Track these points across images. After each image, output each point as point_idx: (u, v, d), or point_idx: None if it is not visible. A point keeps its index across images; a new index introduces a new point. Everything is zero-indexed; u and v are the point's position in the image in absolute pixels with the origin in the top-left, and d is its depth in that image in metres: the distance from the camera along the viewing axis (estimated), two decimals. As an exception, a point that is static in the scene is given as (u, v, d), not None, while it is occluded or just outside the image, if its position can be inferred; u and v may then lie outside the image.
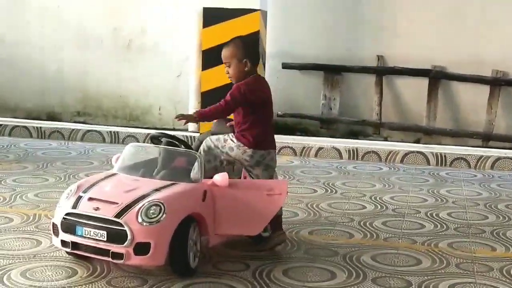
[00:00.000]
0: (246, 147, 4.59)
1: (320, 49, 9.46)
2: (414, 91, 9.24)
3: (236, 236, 4.70)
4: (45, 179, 6.72)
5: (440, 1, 9.13)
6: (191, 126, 9.11)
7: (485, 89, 8.97)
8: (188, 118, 4.55)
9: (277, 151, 8.43)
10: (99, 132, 9.24)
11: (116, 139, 9.17)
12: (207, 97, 8.73)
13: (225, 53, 4.65)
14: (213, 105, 4.58)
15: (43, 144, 8.82)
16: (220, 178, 4.31)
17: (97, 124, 9.89)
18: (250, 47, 4.68)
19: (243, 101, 4.52)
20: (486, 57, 9.00)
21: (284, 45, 9.52)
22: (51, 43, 10.21)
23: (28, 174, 6.92)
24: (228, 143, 4.62)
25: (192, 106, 9.03)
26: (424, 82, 9.14)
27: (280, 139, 8.82)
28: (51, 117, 10.26)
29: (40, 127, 9.41)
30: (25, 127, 9.44)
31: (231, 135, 4.64)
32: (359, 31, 9.35)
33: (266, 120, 4.71)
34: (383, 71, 9.26)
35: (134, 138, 9.04)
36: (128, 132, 9.24)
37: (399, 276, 4.37)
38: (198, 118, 4.54)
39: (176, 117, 4.55)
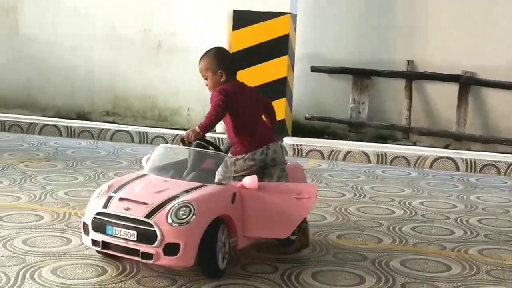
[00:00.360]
0: (244, 154, 4.56)
1: (350, 52, 9.45)
2: (444, 97, 9.19)
3: (264, 238, 4.70)
4: (74, 178, 6.78)
5: (472, 6, 9.06)
6: (219, 128, 9.12)
7: (516, 96, 8.90)
8: (194, 135, 4.49)
9: (305, 154, 8.57)
10: (128, 132, 9.30)
11: (144, 139, 9.22)
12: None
13: (200, 66, 4.70)
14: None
15: (72, 143, 8.89)
16: (250, 180, 4.31)
17: (126, 124, 9.96)
18: (224, 58, 4.66)
19: (225, 100, 4.47)
20: (515, 64, 8.93)
21: (313, 48, 9.52)
22: (82, 43, 10.30)
23: (58, 173, 6.98)
24: (229, 166, 4.47)
25: (221, 107, 9.03)
26: (454, 88, 9.08)
27: (308, 142, 8.83)
28: (81, 116, 10.35)
29: (70, 126, 9.50)
30: (55, 125, 9.53)
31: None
32: (389, 35, 9.32)
33: (252, 120, 4.64)
34: (413, 76, 9.21)
35: (162, 138, 9.08)
36: (156, 132, 9.28)
37: (429, 282, 4.34)
38: (201, 131, 4.49)
39: (181, 140, 4.52)
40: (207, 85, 4.70)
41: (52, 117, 10.18)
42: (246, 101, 4.63)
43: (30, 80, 10.56)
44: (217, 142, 8.12)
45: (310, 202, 4.47)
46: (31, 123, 9.60)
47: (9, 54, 10.62)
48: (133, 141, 9.23)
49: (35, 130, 9.52)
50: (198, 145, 4.59)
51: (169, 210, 3.97)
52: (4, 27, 10.61)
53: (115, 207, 4.08)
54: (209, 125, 4.47)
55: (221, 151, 4.56)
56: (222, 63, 4.62)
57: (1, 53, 10.66)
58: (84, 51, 10.31)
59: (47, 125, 9.55)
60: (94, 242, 4.15)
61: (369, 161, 8.50)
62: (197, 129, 4.44)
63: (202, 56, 4.72)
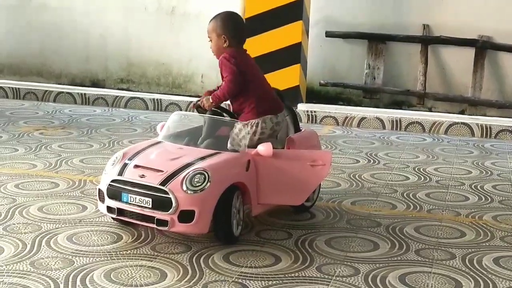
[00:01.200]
0: (253, 120, 4.50)
1: (364, 17, 9.35)
2: (459, 61, 9.09)
3: (278, 205, 4.72)
4: (89, 145, 6.80)
5: (489, -31, 8.94)
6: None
7: (533, 60, 8.81)
8: (208, 105, 4.48)
9: (319, 120, 8.55)
10: (142, 100, 9.31)
11: (159, 106, 9.22)
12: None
13: (208, 27, 4.68)
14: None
15: (87, 111, 8.92)
16: (264, 148, 4.31)
17: (140, 91, 9.96)
18: (230, 24, 4.61)
19: (237, 71, 4.44)
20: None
21: (328, 13, 9.43)
22: (95, 8, 10.25)
23: (73, 140, 7.01)
24: (239, 132, 4.44)
25: (235, 74, 9.01)
26: (470, 52, 8.98)
27: (322, 108, 8.81)
28: (95, 83, 10.36)
29: (85, 94, 9.51)
30: (70, 93, 9.55)
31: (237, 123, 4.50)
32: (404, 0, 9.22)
33: (262, 86, 4.61)
34: (428, 41, 9.12)
35: (176, 105, 9.08)
36: (170, 99, 9.28)
37: (443, 248, 4.35)
38: (214, 103, 4.48)
39: (197, 108, 4.55)
40: (211, 48, 4.67)
41: (67, 85, 10.20)
42: (253, 68, 4.62)
43: (44, 47, 10.55)
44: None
45: (325, 169, 4.47)
46: (46, 90, 9.62)
47: (22, 22, 10.60)
48: (147, 108, 9.24)
49: (50, 98, 9.55)
50: (213, 112, 4.59)
51: (184, 177, 3.99)
52: (18, -6, 10.59)
53: (130, 174, 4.10)
54: (222, 99, 4.47)
55: (236, 118, 4.55)
56: (227, 28, 4.59)
57: (14, 21, 10.64)
58: (97, 17, 10.27)
59: (62, 92, 9.57)
60: (110, 209, 4.18)
61: (383, 127, 8.47)
62: (210, 100, 4.44)
63: (212, 18, 4.70)
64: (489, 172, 6.41)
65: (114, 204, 4.13)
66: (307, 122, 8.59)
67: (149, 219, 4.03)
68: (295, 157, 4.46)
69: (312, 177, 4.49)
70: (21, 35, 10.63)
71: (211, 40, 4.67)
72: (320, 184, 5.06)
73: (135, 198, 4.03)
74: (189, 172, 4.01)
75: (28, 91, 9.65)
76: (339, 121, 8.58)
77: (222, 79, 4.51)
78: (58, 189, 5.24)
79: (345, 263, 4.04)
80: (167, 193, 3.96)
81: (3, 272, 3.70)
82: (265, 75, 4.74)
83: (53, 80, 10.45)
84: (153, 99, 9.29)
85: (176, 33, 9.99)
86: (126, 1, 10.13)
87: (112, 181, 4.14)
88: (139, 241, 4.23)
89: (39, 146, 6.63)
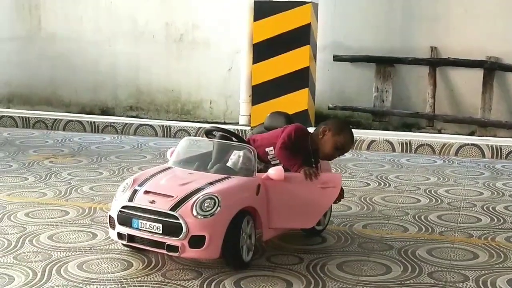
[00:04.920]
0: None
1: (372, 40, 9.38)
2: (468, 83, 9.09)
3: (290, 229, 4.70)
4: (99, 173, 6.81)
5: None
6: (242, 120, 9.13)
7: (542, 80, 8.79)
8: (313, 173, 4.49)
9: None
10: (152, 126, 9.33)
11: (168, 133, 9.24)
12: (258, 90, 8.76)
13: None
14: None
15: (96, 138, 8.94)
16: (275, 172, 4.30)
17: (149, 118, 9.99)
18: None
19: None
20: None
21: (335, 37, 9.46)
22: (104, 38, 10.34)
23: (82, 168, 7.02)
24: (242, 157, 4.50)
25: (243, 99, 9.05)
26: (478, 74, 8.98)
27: (332, 132, 8.77)
28: (104, 111, 10.40)
29: (94, 122, 9.54)
30: (79, 121, 9.58)
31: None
32: (412, 22, 9.24)
33: None
34: (436, 63, 9.13)
35: (185, 132, 9.09)
36: (179, 126, 9.30)
37: (456, 270, 4.31)
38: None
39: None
40: None
41: (77, 113, 10.25)
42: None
43: (54, 77, 10.63)
44: (241, 134, 8.12)
45: (335, 191, 4.46)
46: (55, 119, 9.66)
47: (33, 51, 10.70)
48: (156, 135, 9.25)
49: (60, 126, 9.58)
50: (222, 137, 4.60)
51: (194, 202, 3.98)
52: (27, 25, 10.68)
53: (141, 200, 4.09)
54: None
55: (245, 142, 4.55)
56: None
57: (25, 50, 10.73)
58: (106, 46, 10.35)
59: (71, 121, 9.60)
60: (120, 236, 4.17)
61: (393, 149, 8.44)
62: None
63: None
64: (501, 193, 6.37)
65: (125, 230, 4.12)
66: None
67: (160, 245, 4.01)
68: (305, 180, 4.44)
69: (323, 200, 4.49)
70: (31, 65, 10.72)
71: None
72: (331, 208, 5.03)
73: (146, 224, 4.02)
74: (199, 197, 4.00)
75: (38, 120, 9.69)
76: (348, 144, 8.55)
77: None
78: (68, 217, 5.24)
79: (358, 287, 4.00)
80: (177, 219, 3.94)
81: (13, 301, 3.69)
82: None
83: (63, 109, 10.51)
84: (162, 126, 9.30)
85: (185, 60, 10.04)
86: (135, 29, 10.20)
87: (123, 207, 4.13)
88: (149, 267, 4.21)
89: (49, 175, 6.64)
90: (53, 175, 6.62)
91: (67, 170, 6.88)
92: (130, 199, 4.12)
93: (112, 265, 4.24)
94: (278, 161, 4.55)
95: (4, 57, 10.80)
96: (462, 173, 7.26)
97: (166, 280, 4.02)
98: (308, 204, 4.43)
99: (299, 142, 4.52)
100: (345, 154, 4.76)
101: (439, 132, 9.21)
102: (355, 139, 8.17)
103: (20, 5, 10.66)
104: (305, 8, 8.60)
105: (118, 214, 4.15)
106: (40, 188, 6.12)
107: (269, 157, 4.58)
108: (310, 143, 4.58)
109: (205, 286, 3.95)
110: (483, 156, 8.18)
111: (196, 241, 3.94)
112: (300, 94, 8.63)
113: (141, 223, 4.04)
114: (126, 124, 9.42)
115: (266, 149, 4.58)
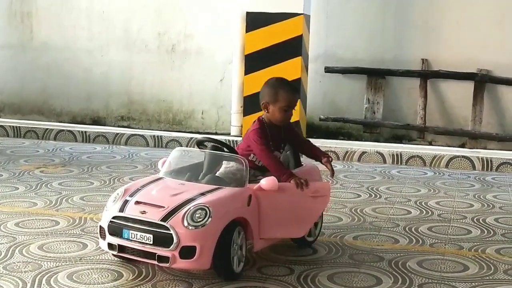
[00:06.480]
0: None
1: (363, 52, 9.42)
2: (459, 95, 9.13)
3: (281, 240, 4.70)
4: (90, 183, 6.79)
5: (486, 4, 9.01)
6: (234, 130, 9.13)
7: (533, 93, 8.84)
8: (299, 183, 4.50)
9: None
10: (143, 136, 9.32)
11: (159, 143, 9.23)
12: (249, 101, 8.76)
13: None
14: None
15: (87, 148, 8.92)
16: (267, 182, 4.29)
17: (140, 129, 9.98)
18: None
19: None
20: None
21: (327, 49, 9.50)
22: (97, 47, 10.34)
23: (73, 178, 7.00)
24: (232, 168, 4.54)
25: (235, 110, 9.06)
26: (469, 86, 9.03)
27: (323, 143, 8.78)
28: (96, 121, 10.39)
29: (85, 131, 9.53)
30: (70, 131, 9.57)
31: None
32: (403, 34, 9.28)
33: None
34: (427, 75, 9.17)
35: (177, 142, 9.09)
36: (171, 136, 9.30)
37: (446, 282, 4.31)
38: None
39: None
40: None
41: (68, 123, 10.24)
42: None
43: (45, 86, 10.62)
44: (232, 145, 8.12)
45: (325, 199, 4.49)
46: (46, 129, 9.64)
47: (25, 60, 10.68)
48: (148, 145, 9.25)
49: (50, 136, 9.56)
50: (213, 148, 4.60)
51: (185, 213, 3.97)
52: (19, 34, 10.67)
53: (132, 211, 4.08)
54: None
55: (236, 153, 4.55)
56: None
57: (16, 60, 10.72)
58: (98, 56, 10.35)
59: (62, 130, 9.59)
60: (111, 246, 4.15)
61: (384, 161, 8.47)
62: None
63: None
64: (491, 205, 6.39)
65: (115, 240, 4.11)
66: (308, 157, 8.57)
67: (150, 255, 4.00)
68: (295, 189, 4.44)
69: (313, 209, 4.56)
70: (23, 74, 10.70)
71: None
72: (322, 219, 5.04)
73: (136, 234, 4.01)
74: (190, 208, 3.99)
75: (29, 129, 9.67)
76: (339, 155, 8.58)
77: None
78: (58, 227, 5.22)
79: (348, 298, 4.01)
80: (168, 229, 3.93)
81: (3, 311, 3.67)
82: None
83: (54, 119, 10.49)
84: (154, 136, 9.30)
85: (177, 70, 10.05)
86: (127, 39, 10.21)
87: (114, 217, 4.12)
88: (140, 278, 4.20)
89: (39, 184, 6.62)
90: (43, 185, 6.60)
91: (58, 180, 6.86)
92: (121, 210, 4.11)
93: (102, 276, 4.23)
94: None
95: (-4, 66, 10.79)
96: (453, 185, 7.28)
97: (157, 291, 4.02)
98: (299, 214, 4.47)
99: (265, 136, 4.53)
100: (294, 109, 4.68)
101: (430, 144, 9.24)
102: (346, 150, 8.22)
103: (12, 13, 10.65)
104: (297, 19, 8.63)
105: (108, 224, 4.13)
106: (30, 198, 6.11)
107: (256, 162, 4.60)
108: (269, 129, 4.59)
109: (195, 297, 3.95)
110: (474, 168, 8.20)
111: (187, 252, 3.93)
112: (291, 105, 8.64)
113: (132, 233, 4.03)
114: (118, 134, 9.40)
115: (249, 158, 4.59)
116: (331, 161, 4.72)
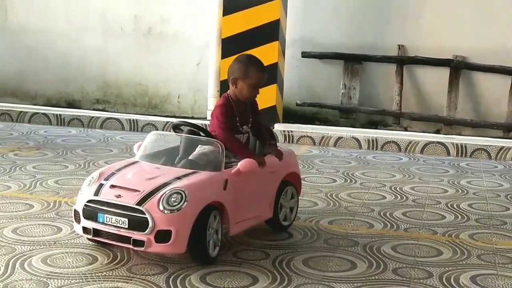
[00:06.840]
0: None
1: (341, 38, 9.41)
2: (435, 81, 9.18)
3: (256, 224, 4.71)
4: (64, 166, 6.74)
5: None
6: (210, 114, 9.09)
7: (507, 80, 8.88)
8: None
9: (296, 140, 8.57)
10: (118, 120, 9.26)
11: (135, 127, 9.18)
12: (226, 85, 8.68)
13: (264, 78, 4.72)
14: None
15: (62, 132, 8.85)
16: (246, 164, 4.31)
17: (116, 112, 9.92)
18: None
19: None
20: (508, 48, 8.91)
21: (304, 34, 9.48)
22: (73, 30, 10.23)
23: (48, 161, 6.94)
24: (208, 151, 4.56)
25: (211, 94, 9.02)
26: (445, 72, 9.07)
27: (299, 128, 8.83)
28: (71, 104, 10.30)
29: (60, 115, 9.45)
30: (45, 114, 9.48)
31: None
32: (380, 20, 9.29)
33: None
34: (404, 61, 9.20)
35: (153, 126, 9.05)
36: (147, 120, 9.25)
37: (420, 267, 4.35)
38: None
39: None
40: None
41: (42, 106, 10.14)
42: None
43: (21, 69, 10.49)
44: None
45: (280, 172, 4.72)
46: (21, 111, 9.55)
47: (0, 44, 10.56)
48: (123, 128, 9.19)
49: (25, 119, 9.47)
50: (190, 132, 4.58)
51: (160, 197, 3.96)
52: (-8, 15, 10.54)
53: (106, 195, 4.06)
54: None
55: (212, 137, 4.54)
56: None
57: (-10, 42, 10.59)
58: (74, 39, 10.24)
59: (37, 113, 9.50)
60: (85, 230, 4.13)
61: (360, 146, 8.50)
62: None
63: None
64: (465, 191, 6.45)
65: (90, 224, 4.09)
66: (284, 142, 8.60)
67: (126, 239, 3.99)
68: (260, 169, 4.47)
69: (273, 185, 4.73)
70: (-3, 57, 10.57)
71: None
72: (297, 204, 5.05)
73: (111, 218, 3.99)
74: (166, 192, 3.98)
75: (3, 112, 9.56)
76: (315, 141, 8.60)
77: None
78: (32, 211, 5.18)
79: (323, 283, 4.02)
80: (143, 213, 3.92)
81: (-24, 295, 3.64)
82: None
83: (29, 101, 10.38)
84: (129, 120, 9.24)
85: (153, 53, 9.98)
86: (104, 22, 10.10)
87: (88, 201, 4.10)
88: (115, 262, 4.19)
89: (13, 168, 6.56)
90: (17, 168, 6.54)
91: (32, 163, 6.81)
92: (96, 193, 4.09)
93: (77, 260, 4.20)
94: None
95: (-31, 48, 10.65)
96: (427, 170, 7.33)
97: (132, 275, 4.00)
98: (266, 193, 4.65)
99: (228, 115, 4.54)
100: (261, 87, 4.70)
101: (405, 129, 9.29)
102: (322, 135, 8.24)
103: (-14, -5, 10.51)
104: (274, 4, 8.60)
105: (83, 208, 4.11)
106: (4, 181, 6.05)
107: None
108: (235, 105, 4.61)
109: (170, 281, 3.94)
110: (448, 154, 8.26)
111: (162, 236, 3.93)
112: (268, 90, 8.62)
113: (106, 217, 4.01)
114: (93, 117, 9.34)
115: None
116: (275, 144, 4.80)
